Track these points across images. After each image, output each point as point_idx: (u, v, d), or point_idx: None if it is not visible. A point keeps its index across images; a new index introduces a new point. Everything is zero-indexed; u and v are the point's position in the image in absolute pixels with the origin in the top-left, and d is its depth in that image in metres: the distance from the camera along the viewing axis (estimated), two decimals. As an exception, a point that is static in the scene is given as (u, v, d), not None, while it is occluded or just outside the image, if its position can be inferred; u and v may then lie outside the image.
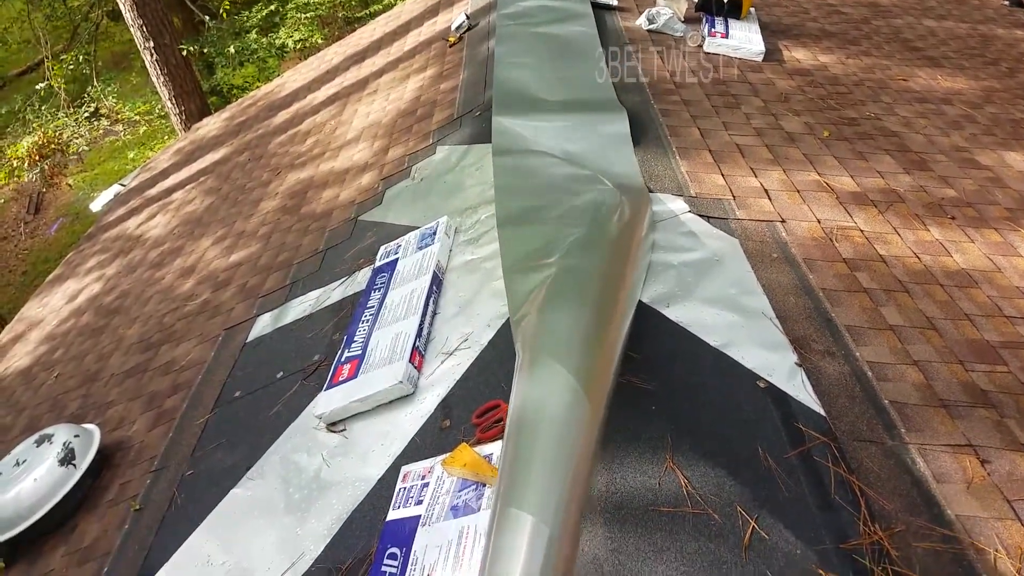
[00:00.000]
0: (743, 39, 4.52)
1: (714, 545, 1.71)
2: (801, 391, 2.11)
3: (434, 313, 2.72)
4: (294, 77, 7.37)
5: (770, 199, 3.02)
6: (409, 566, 1.70)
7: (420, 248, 3.01)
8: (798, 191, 3.11)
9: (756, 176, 3.18)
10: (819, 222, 2.92)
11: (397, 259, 3.05)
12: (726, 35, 4.53)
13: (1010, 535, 1.79)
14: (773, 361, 2.20)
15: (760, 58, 4.47)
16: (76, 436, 2.95)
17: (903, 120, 3.99)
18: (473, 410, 2.19)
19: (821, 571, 1.65)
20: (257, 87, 10.55)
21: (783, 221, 2.88)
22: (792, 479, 1.86)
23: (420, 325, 2.58)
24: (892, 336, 2.39)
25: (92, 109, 14.26)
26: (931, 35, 5.57)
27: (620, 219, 2.65)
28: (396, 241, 3.19)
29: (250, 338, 3.28)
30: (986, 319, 2.55)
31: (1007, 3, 6.57)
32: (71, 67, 13.93)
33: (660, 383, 2.12)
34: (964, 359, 2.35)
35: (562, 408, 1.69)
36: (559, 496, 1.48)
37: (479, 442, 2.04)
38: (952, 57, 5.13)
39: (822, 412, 2.05)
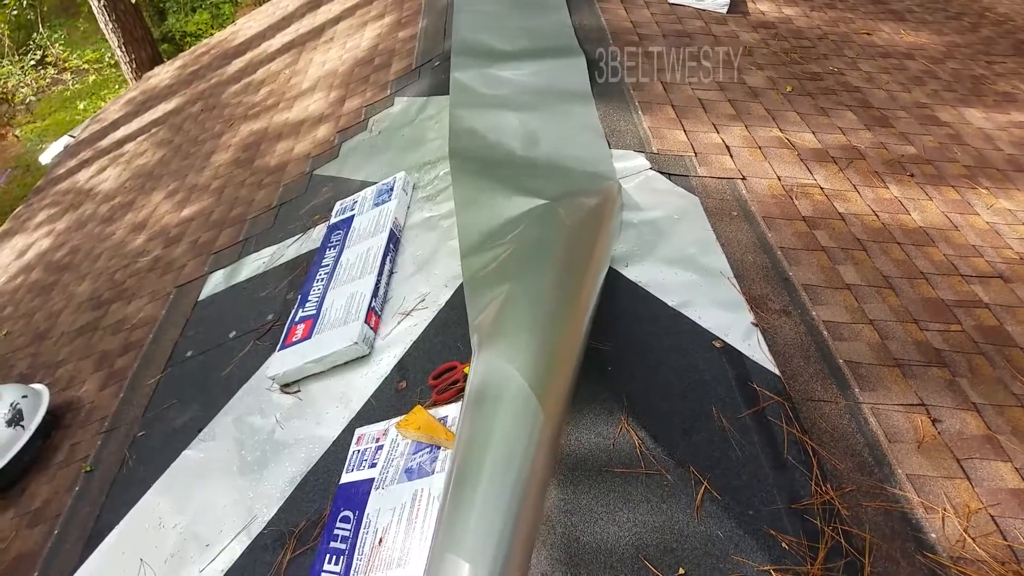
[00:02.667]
0: (709, -10, 4.43)
1: (666, 506, 1.72)
2: (757, 351, 2.10)
3: (391, 272, 2.66)
4: (249, 24, 7.06)
5: (731, 156, 2.99)
6: (362, 529, 1.68)
7: (377, 205, 2.93)
8: (759, 147, 3.08)
9: (718, 132, 3.14)
10: (779, 179, 2.90)
11: (353, 216, 2.96)
12: (693, -14, 4.42)
13: (958, 494, 1.83)
14: (730, 321, 2.19)
15: (725, 10, 4.38)
16: (24, 396, 2.87)
17: (866, 75, 3.97)
18: (430, 371, 2.16)
19: (772, 531, 1.67)
20: (211, 34, 10.13)
21: (744, 178, 2.86)
22: (745, 439, 1.87)
23: (376, 285, 2.52)
24: (849, 295, 2.40)
25: (38, 57, 13.59)
26: (897, -12, 5.52)
27: (581, 210, 2.50)
28: (352, 197, 3.10)
29: (202, 296, 3.19)
30: (942, 278, 2.57)
31: (974, -43, 6.53)
32: (15, 12, 13.19)
33: (617, 344, 2.11)
34: (919, 318, 2.37)
35: (516, 434, 1.48)
36: (498, 543, 1.33)
37: (435, 404, 2.01)
38: (916, 11, 5.10)
39: (777, 372, 2.05)
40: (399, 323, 2.41)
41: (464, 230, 2.49)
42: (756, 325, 2.19)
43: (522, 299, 1.96)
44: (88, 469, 2.59)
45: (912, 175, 3.12)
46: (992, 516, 1.79)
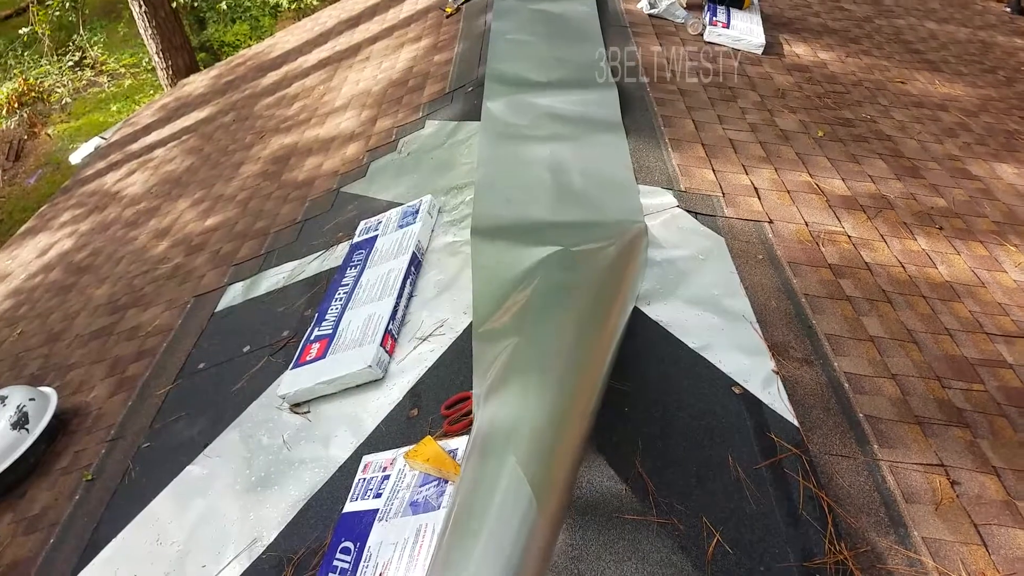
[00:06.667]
0: (744, 30, 4.43)
1: (676, 557, 1.67)
2: (776, 400, 2.07)
3: (410, 295, 2.64)
4: (286, 38, 7.17)
5: (759, 198, 2.96)
6: (362, 562, 1.64)
7: (401, 226, 2.93)
8: (788, 191, 3.05)
9: (747, 174, 3.12)
10: (807, 225, 2.87)
11: (377, 236, 2.96)
12: (727, 25, 4.43)
13: (974, 560, 1.77)
14: (750, 367, 2.15)
15: (760, 51, 4.38)
16: (31, 399, 2.85)
17: (898, 124, 3.94)
18: (443, 400, 2.13)
19: (783, 590, 1.62)
20: (249, 45, 10.31)
21: (771, 222, 2.82)
22: (760, 491, 1.82)
23: (395, 308, 2.50)
24: (872, 347, 2.36)
25: (76, 58, 13.88)
26: (932, 38, 5.50)
27: (604, 258, 2.41)
28: (377, 217, 3.10)
29: (219, 307, 3.19)
30: (967, 335, 2.52)
31: (1009, 10, 6.52)
32: (57, 13, 13.50)
33: (635, 384, 2.07)
34: (942, 375, 2.31)
35: (510, 516, 1.41)
36: None
37: (446, 435, 1.98)
38: (951, 62, 5.07)
39: (795, 423, 2.01)
40: (415, 348, 2.39)
41: (479, 298, 2.41)
42: (777, 373, 2.15)
43: (530, 351, 1.90)
44: (89, 478, 2.57)
45: (941, 228, 3.07)
46: (1008, 586, 1.74)
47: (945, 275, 2.79)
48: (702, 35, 4.41)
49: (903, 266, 2.78)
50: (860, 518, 1.82)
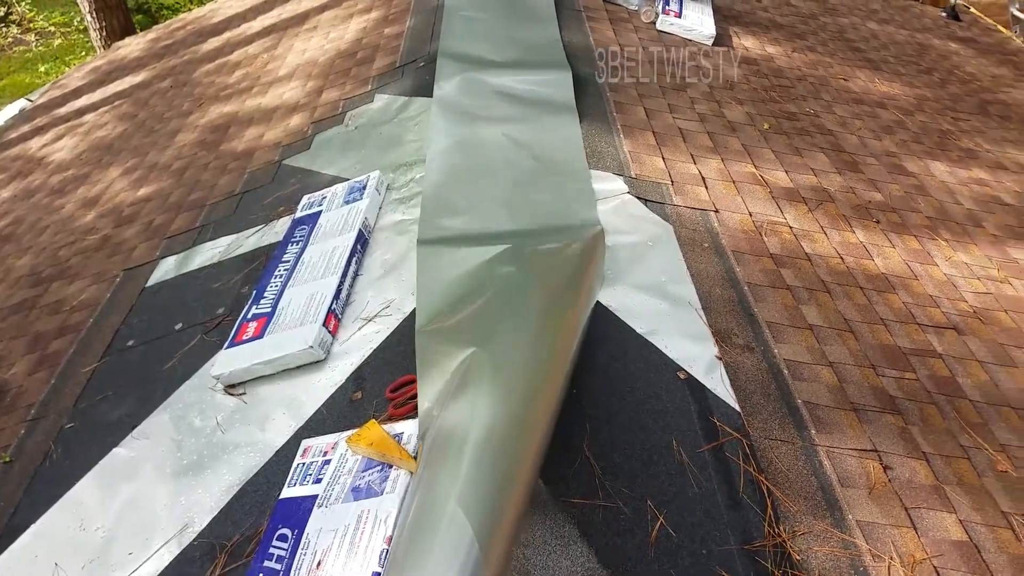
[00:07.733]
0: (696, 21, 4.47)
1: (621, 540, 1.68)
2: (719, 385, 2.09)
3: (356, 274, 2.56)
4: (229, 3, 6.87)
5: (706, 188, 2.99)
6: (299, 550, 1.59)
7: (347, 202, 2.84)
8: (734, 182, 3.10)
9: (695, 163, 3.14)
10: (751, 215, 2.91)
11: (320, 211, 2.86)
12: (679, 15, 4.46)
13: (904, 543, 1.83)
14: (695, 352, 2.18)
15: (710, 42, 4.42)
16: (-56, 375, 2.68)
17: (839, 119, 4.04)
18: (388, 383, 2.08)
19: (724, 573, 1.64)
20: (189, 9, 9.85)
21: (716, 211, 2.86)
22: (703, 475, 1.84)
23: (339, 286, 2.42)
24: (810, 335, 2.41)
25: (1, 13, 13.06)
26: (873, 38, 5.67)
27: (559, 261, 2.34)
28: (321, 192, 3.00)
29: (150, 282, 3.04)
30: (900, 325, 2.60)
31: (944, 14, 6.77)
32: (-22, -37, 12.67)
33: (583, 368, 2.06)
34: (876, 364, 2.39)
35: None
36: None
37: (391, 419, 1.93)
38: (890, 62, 5.23)
39: (737, 408, 2.04)
40: (360, 329, 2.32)
41: (424, 294, 2.29)
42: (720, 359, 2.18)
43: (485, 367, 1.84)
44: (7, 460, 2.42)
45: (878, 221, 3.17)
46: (935, 567, 1.80)
47: (881, 267, 2.88)
48: (655, 24, 4.42)
49: (841, 257, 2.86)
50: (798, 502, 1.86)
